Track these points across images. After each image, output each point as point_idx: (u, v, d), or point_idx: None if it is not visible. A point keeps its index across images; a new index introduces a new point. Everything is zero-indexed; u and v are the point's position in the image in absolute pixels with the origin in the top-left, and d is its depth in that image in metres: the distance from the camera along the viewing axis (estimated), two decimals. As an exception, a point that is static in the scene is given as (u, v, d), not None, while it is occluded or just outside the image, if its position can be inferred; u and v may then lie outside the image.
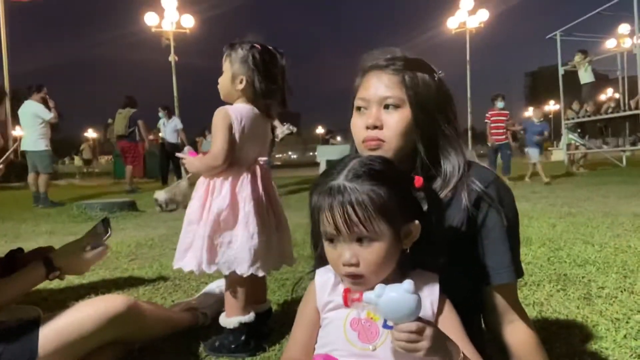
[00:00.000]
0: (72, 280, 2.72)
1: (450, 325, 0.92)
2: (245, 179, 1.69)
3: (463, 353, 0.86)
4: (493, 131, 9.16)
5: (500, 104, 9.22)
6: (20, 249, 1.48)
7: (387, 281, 0.90)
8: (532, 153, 9.15)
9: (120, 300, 1.38)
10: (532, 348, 1.09)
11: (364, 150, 1.07)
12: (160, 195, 6.09)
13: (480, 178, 1.07)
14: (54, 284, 2.66)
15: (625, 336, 1.62)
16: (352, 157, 0.94)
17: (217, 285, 2.04)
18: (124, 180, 14.05)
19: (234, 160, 1.70)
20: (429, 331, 0.80)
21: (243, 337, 1.66)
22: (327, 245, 0.91)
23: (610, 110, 11.03)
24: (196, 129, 12.33)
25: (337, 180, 0.88)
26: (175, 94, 16.95)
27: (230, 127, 1.68)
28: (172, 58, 16.17)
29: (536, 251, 2.95)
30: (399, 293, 0.79)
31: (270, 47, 1.75)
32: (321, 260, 1.07)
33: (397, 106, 1.05)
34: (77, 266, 1.42)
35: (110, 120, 11.79)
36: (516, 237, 1.12)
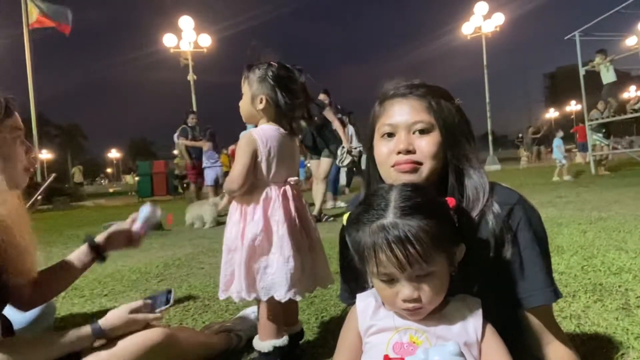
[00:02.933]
0: (104, 304, 2.76)
1: (495, 350, 0.91)
2: (276, 202, 1.67)
3: None
4: None
5: None
6: None
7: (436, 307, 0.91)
8: None
9: (158, 332, 1.39)
10: None
11: (394, 174, 1.07)
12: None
13: (504, 200, 1.07)
14: (87, 308, 2.73)
15: (670, 349, 1.56)
16: (388, 189, 0.93)
17: (253, 311, 2.05)
18: (148, 199, 14.37)
19: (262, 184, 1.70)
20: None
21: None
22: (380, 283, 0.91)
23: (638, 107, 10.67)
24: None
25: (386, 218, 0.87)
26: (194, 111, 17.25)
27: (255, 153, 1.68)
28: (191, 77, 16.53)
29: (569, 260, 2.88)
30: (444, 357, 0.78)
31: (287, 65, 1.76)
32: (351, 292, 1.07)
33: (427, 131, 1.06)
34: (121, 330, 1.38)
35: None
36: (547, 258, 1.10)
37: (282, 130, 1.74)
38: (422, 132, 1.06)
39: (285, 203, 1.69)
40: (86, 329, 1.34)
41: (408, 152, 1.04)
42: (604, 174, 10.59)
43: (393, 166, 1.06)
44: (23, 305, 1.55)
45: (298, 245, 1.67)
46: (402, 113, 1.07)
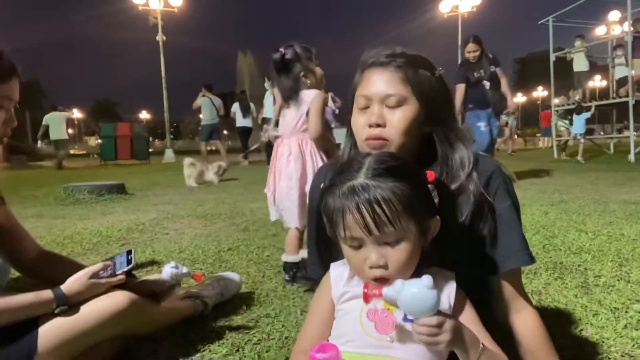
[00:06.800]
0: (62, 265, 2.66)
1: (468, 320, 0.91)
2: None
3: (483, 344, 0.86)
4: None
5: None
6: None
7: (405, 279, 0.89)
8: None
9: (123, 296, 1.33)
10: (541, 338, 1.10)
11: (366, 149, 1.06)
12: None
13: (484, 168, 1.09)
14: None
15: (625, 326, 1.62)
16: (365, 154, 0.92)
17: (221, 277, 2.04)
18: (110, 163, 14.13)
19: None
20: (448, 324, 0.80)
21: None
22: (348, 249, 0.89)
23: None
24: (184, 109, 12.24)
25: (357, 179, 0.85)
26: (163, 74, 16.71)
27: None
28: (160, 37, 15.89)
29: (531, 239, 2.96)
30: (419, 288, 0.79)
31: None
32: (322, 265, 1.06)
33: (399, 104, 1.04)
34: (84, 295, 1.31)
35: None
36: (521, 225, 1.13)
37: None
38: (395, 105, 1.04)
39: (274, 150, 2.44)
40: (47, 294, 1.25)
41: (378, 125, 1.03)
42: (565, 159, 10.94)
43: (366, 140, 1.06)
44: (22, 269, 1.60)
45: (269, 185, 2.42)
46: (377, 84, 1.05)
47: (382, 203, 0.82)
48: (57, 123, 13.31)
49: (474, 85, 5.71)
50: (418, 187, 0.88)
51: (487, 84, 5.71)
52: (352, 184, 0.85)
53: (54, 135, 13.34)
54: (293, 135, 2.34)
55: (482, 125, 5.69)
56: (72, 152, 14.65)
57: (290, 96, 2.32)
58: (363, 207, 0.82)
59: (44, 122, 13.47)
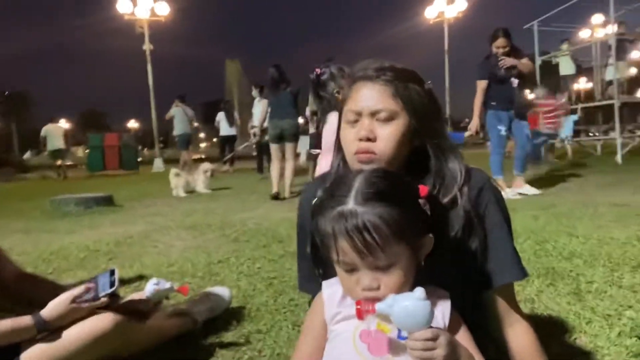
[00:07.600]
0: (48, 282, 2.60)
1: (462, 340, 0.89)
2: None
3: None
4: None
5: None
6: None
7: None
8: None
9: (106, 318, 1.29)
10: (533, 352, 1.08)
11: (355, 163, 1.05)
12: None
13: (475, 182, 1.08)
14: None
15: (619, 334, 1.61)
16: (355, 173, 0.90)
17: (210, 292, 2.00)
18: (98, 173, 14.14)
19: None
20: (443, 338, 0.79)
21: None
22: (341, 272, 0.88)
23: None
24: (172, 118, 12.30)
25: (346, 205, 0.84)
26: (150, 83, 16.62)
27: None
28: (147, 46, 15.81)
29: (522, 244, 2.96)
30: (412, 301, 0.78)
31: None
32: (315, 280, 1.04)
33: (389, 118, 1.03)
34: (65, 319, 1.27)
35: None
36: (512, 239, 1.12)
37: None
38: (385, 119, 1.03)
39: None
40: (26, 320, 1.21)
41: (368, 139, 1.02)
42: (553, 161, 11.02)
43: (355, 154, 1.04)
44: (1, 291, 1.51)
45: None
46: (367, 99, 1.05)
47: (371, 230, 0.81)
48: (55, 134, 13.96)
49: (500, 82, 5.24)
50: (409, 208, 0.86)
51: (515, 81, 5.27)
52: (341, 210, 0.83)
53: (52, 146, 13.94)
54: (329, 151, 2.57)
55: (502, 129, 5.27)
56: (58, 162, 14.53)
57: (325, 113, 2.52)
58: (353, 235, 0.81)
59: (42, 134, 14.03)
